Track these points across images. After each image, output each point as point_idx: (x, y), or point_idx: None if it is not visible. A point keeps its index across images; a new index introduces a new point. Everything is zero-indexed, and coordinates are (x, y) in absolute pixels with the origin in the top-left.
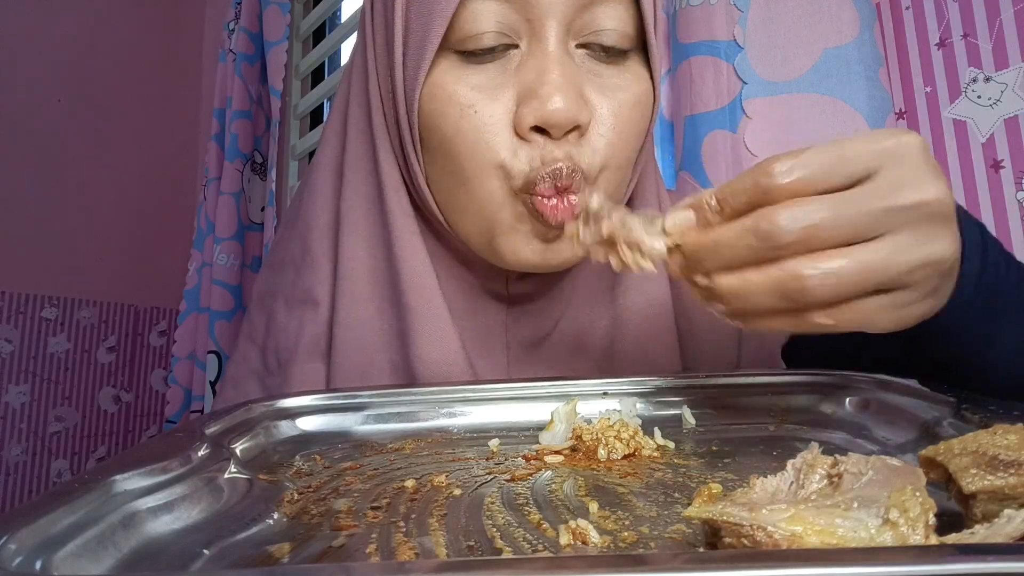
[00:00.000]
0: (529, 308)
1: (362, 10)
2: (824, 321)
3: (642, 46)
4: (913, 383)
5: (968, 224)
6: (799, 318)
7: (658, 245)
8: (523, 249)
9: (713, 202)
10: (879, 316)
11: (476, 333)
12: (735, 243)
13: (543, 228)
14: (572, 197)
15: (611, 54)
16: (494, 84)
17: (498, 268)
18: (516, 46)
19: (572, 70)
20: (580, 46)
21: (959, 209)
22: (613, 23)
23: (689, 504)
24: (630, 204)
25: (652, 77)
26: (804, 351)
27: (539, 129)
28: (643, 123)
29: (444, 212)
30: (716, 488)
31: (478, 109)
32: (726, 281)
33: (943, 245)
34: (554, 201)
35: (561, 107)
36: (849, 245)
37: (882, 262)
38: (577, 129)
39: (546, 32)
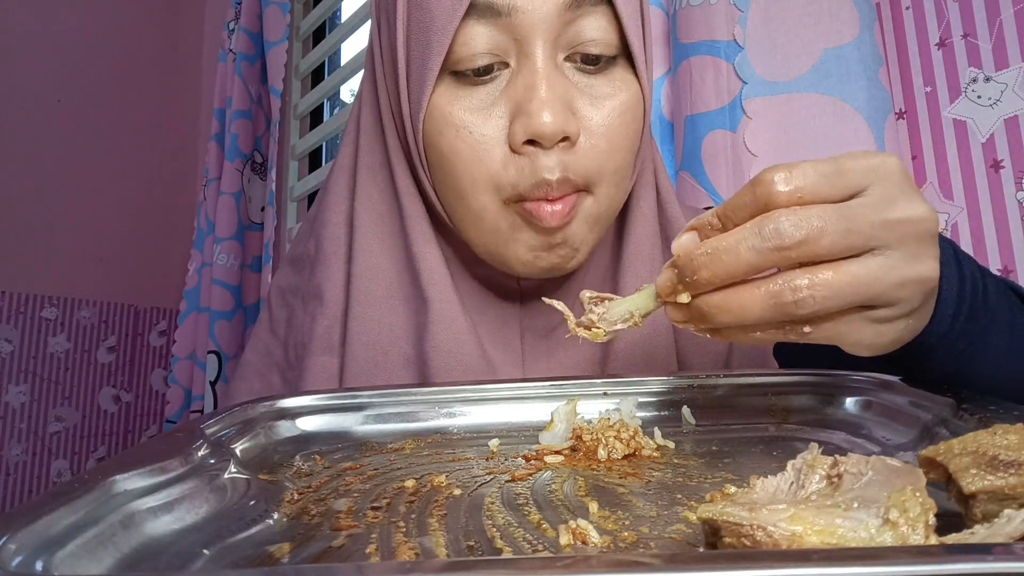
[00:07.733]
0: (540, 301)
1: (370, 36)
2: (806, 330)
3: (628, 53)
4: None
5: (943, 243)
6: (783, 330)
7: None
8: (526, 255)
9: (714, 220)
10: (858, 331)
11: (491, 327)
12: (737, 247)
13: (542, 236)
14: (561, 203)
15: (598, 64)
16: (486, 104)
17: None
18: (507, 65)
19: (560, 84)
20: (568, 59)
21: None
22: (596, 34)
23: (689, 504)
24: (626, 206)
25: (640, 82)
26: (793, 346)
27: (532, 141)
28: (634, 127)
29: (452, 221)
30: (730, 489)
31: (472, 130)
32: (716, 297)
33: (929, 265)
34: (545, 205)
35: (549, 121)
36: (840, 260)
37: (872, 276)
38: (567, 140)
39: (533, 49)
